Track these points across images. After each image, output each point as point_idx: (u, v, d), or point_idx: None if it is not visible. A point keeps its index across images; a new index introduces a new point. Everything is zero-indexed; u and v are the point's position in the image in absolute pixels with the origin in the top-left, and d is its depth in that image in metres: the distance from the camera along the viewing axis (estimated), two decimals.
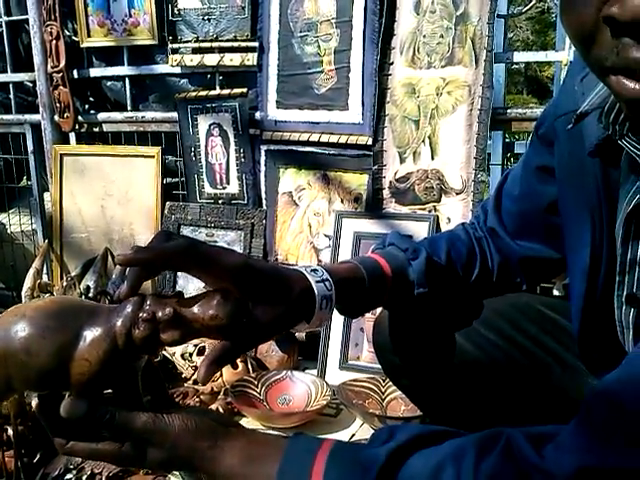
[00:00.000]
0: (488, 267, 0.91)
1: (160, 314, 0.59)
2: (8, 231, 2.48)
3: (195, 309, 0.60)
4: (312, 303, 0.71)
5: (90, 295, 1.86)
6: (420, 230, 1.64)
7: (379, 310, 0.96)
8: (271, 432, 1.35)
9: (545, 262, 0.91)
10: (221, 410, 1.51)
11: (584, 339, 0.78)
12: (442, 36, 1.54)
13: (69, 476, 0.98)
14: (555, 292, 1.54)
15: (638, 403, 0.47)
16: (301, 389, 1.58)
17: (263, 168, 1.86)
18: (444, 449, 0.55)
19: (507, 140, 1.81)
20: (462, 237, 0.93)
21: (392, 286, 0.82)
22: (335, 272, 0.75)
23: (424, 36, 1.56)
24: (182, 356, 1.70)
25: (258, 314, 0.65)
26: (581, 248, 0.73)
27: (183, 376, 1.68)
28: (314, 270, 0.74)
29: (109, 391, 0.63)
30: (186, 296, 0.64)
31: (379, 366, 1.04)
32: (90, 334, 0.60)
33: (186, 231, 1.97)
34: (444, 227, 1.63)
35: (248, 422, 1.50)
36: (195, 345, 1.72)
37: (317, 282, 0.72)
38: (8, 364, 0.60)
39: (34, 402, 0.64)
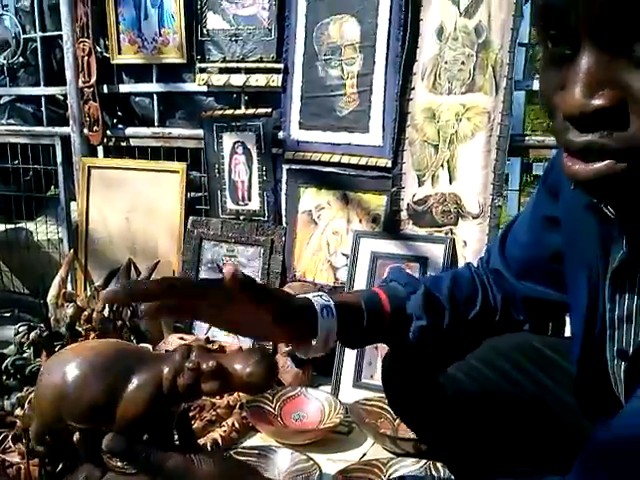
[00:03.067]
0: (490, 305, 0.93)
1: (204, 366, 0.64)
2: (35, 239, 2.56)
3: (236, 365, 0.65)
4: (313, 313, 0.79)
5: (113, 309, 1.90)
6: (436, 252, 1.67)
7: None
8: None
9: (549, 303, 0.92)
10: (237, 425, 1.54)
11: (581, 384, 0.80)
12: (463, 63, 1.57)
13: None
14: None
15: (631, 460, 0.50)
16: (315, 406, 1.60)
17: (284, 187, 1.90)
18: None
19: (525, 161, 1.83)
20: (466, 275, 0.95)
21: (391, 319, 0.87)
22: (334, 296, 0.83)
23: (446, 62, 1.59)
24: None
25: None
26: (580, 300, 0.75)
27: None
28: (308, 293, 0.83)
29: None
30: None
31: None
32: (139, 378, 0.65)
33: (208, 245, 2.01)
34: (460, 250, 1.66)
35: (262, 438, 1.53)
36: (220, 346, 1.75)
37: (314, 296, 0.82)
38: (62, 398, 0.66)
39: (76, 436, 0.70)
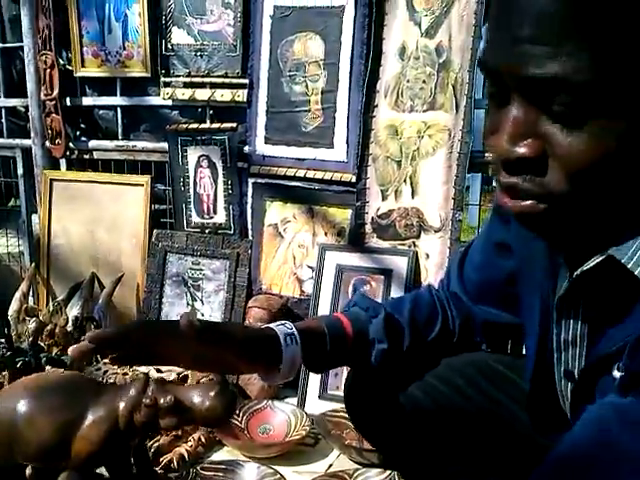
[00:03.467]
0: (449, 327, 0.97)
1: (162, 401, 0.63)
2: None
3: (194, 398, 0.64)
4: (276, 343, 0.81)
5: (77, 324, 1.89)
6: (400, 264, 1.70)
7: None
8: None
9: (504, 326, 0.96)
10: (203, 439, 1.54)
11: (533, 401, 0.83)
12: (425, 82, 1.62)
13: None
14: None
15: (582, 477, 0.53)
16: (281, 419, 1.62)
17: (250, 200, 1.91)
18: None
19: (485, 176, 1.88)
20: (426, 297, 0.99)
21: (353, 344, 0.90)
22: (297, 324, 0.86)
23: (408, 81, 1.64)
24: None
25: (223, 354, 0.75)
26: (533, 323, 0.79)
27: None
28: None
29: None
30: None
31: None
32: (94, 415, 0.63)
33: (173, 258, 2.01)
34: (423, 262, 1.70)
35: (229, 452, 1.53)
36: (178, 374, 1.75)
37: (277, 325, 0.84)
38: (13, 437, 0.64)
39: (28, 470, 0.68)
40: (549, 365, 0.77)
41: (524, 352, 0.89)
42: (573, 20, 0.53)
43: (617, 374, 0.63)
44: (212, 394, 0.64)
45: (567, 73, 0.53)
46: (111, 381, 1.74)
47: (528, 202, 0.60)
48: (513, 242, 0.85)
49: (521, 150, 0.58)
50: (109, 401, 0.64)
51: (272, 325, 0.85)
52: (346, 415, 1.54)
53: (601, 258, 0.62)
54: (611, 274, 0.62)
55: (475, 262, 0.98)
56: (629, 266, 0.59)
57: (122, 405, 0.64)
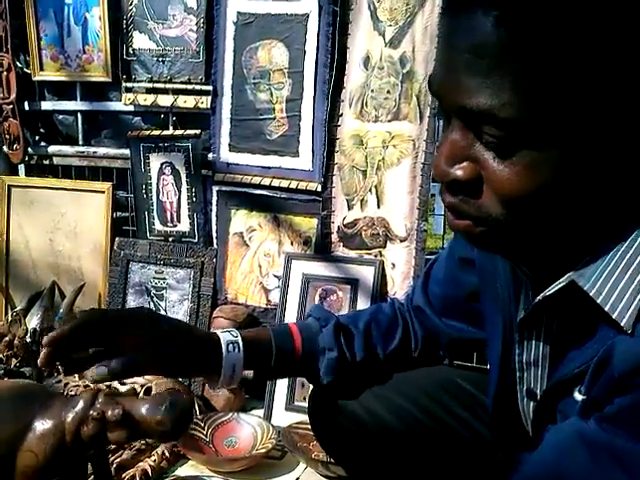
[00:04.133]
0: (410, 340, 0.97)
1: (109, 414, 0.61)
2: None
3: (143, 411, 0.62)
4: (219, 348, 0.82)
5: (36, 335, 1.84)
6: (367, 274, 1.70)
7: None
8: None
9: (468, 341, 0.97)
10: (167, 453, 1.52)
11: (496, 419, 0.84)
12: (389, 92, 1.61)
13: None
14: None
15: None
16: (247, 431, 1.60)
17: (214, 208, 1.89)
18: None
19: None
20: (387, 310, 0.99)
21: (302, 351, 0.90)
22: (244, 332, 0.88)
23: (372, 91, 1.63)
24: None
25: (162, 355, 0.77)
26: (496, 341, 0.79)
27: None
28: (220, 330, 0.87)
29: None
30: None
31: None
32: (40, 427, 0.61)
33: (135, 267, 1.97)
34: (389, 272, 1.70)
35: (194, 466, 1.51)
36: (142, 385, 1.72)
37: (222, 332, 0.85)
38: None
39: None
40: (511, 383, 0.77)
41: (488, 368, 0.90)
42: (502, 54, 0.53)
43: (579, 396, 0.64)
44: (163, 407, 0.62)
45: (494, 107, 0.54)
46: (72, 394, 1.71)
47: (466, 222, 0.62)
48: (476, 258, 0.86)
49: (456, 172, 0.59)
50: (57, 413, 0.61)
51: (218, 331, 0.85)
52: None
53: (563, 284, 0.62)
54: (573, 298, 0.62)
55: (439, 276, 0.98)
56: (591, 293, 0.60)
57: (69, 418, 0.61)
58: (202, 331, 0.88)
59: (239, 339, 0.84)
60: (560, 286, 0.63)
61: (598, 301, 0.59)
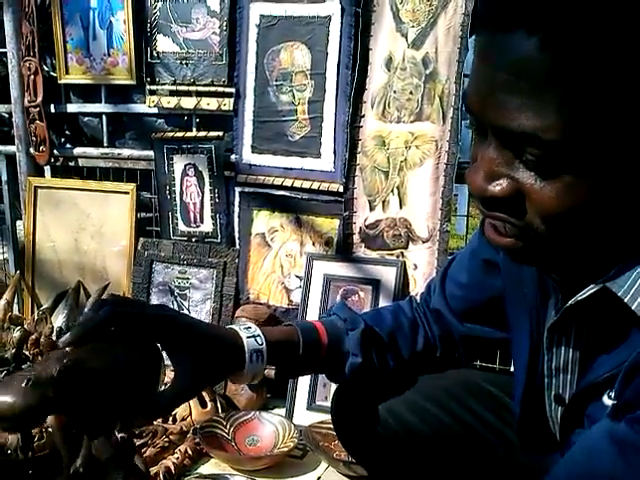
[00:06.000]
0: (430, 343, 0.96)
1: None
2: None
3: None
4: (242, 356, 0.78)
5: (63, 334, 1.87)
6: (388, 275, 1.71)
7: None
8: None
9: (487, 341, 0.96)
10: (190, 451, 1.53)
11: (523, 425, 0.84)
12: (411, 93, 1.62)
13: None
14: None
15: None
16: (269, 430, 1.62)
17: (237, 209, 1.90)
18: None
19: None
20: (406, 310, 0.98)
21: (327, 354, 0.88)
22: (270, 333, 0.82)
23: (394, 92, 1.64)
24: None
25: (182, 373, 0.72)
26: (522, 346, 0.79)
27: None
28: (247, 327, 0.81)
29: None
30: None
31: None
32: None
33: (159, 267, 2.00)
34: (411, 273, 1.70)
35: (216, 463, 1.53)
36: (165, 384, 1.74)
37: (248, 337, 0.79)
38: None
39: None
40: (539, 388, 0.77)
41: (513, 371, 0.89)
42: (547, 77, 0.53)
43: (608, 401, 0.64)
44: (13, 389, 0.57)
45: (537, 129, 0.54)
46: None
47: (508, 239, 0.62)
48: (501, 262, 0.85)
49: (495, 189, 0.59)
50: None
51: (239, 330, 0.79)
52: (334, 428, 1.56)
53: (596, 289, 0.63)
54: (605, 304, 0.63)
55: (459, 278, 0.96)
56: (626, 299, 0.60)
57: None
58: (225, 333, 0.80)
59: (264, 347, 0.79)
60: (592, 291, 0.63)
61: (633, 307, 0.59)
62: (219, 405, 1.73)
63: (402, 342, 0.94)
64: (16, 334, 1.88)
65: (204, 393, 1.72)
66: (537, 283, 0.74)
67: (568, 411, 0.72)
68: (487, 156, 0.58)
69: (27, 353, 1.90)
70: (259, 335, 0.80)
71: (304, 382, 1.74)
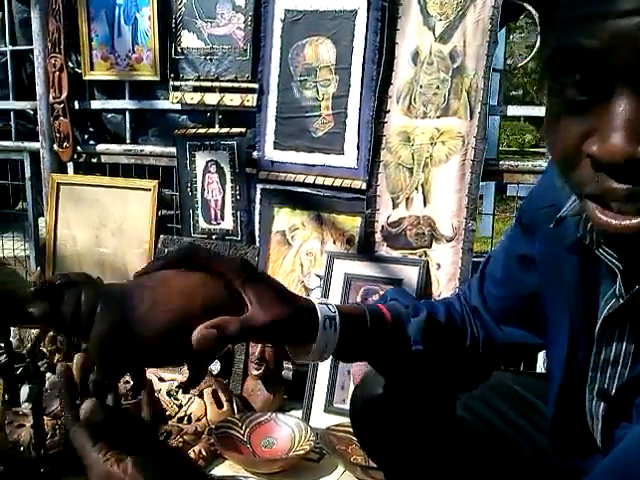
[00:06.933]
0: (476, 340, 0.90)
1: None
2: (1, 255, 2.49)
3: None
4: (314, 322, 0.69)
5: None
6: (411, 274, 1.66)
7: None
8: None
9: (524, 347, 0.91)
10: (204, 452, 1.50)
11: (557, 425, 0.78)
12: (438, 87, 1.58)
13: None
14: None
15: None
16: (285, 432, 1.57)
17: (258, 206, 1.87)
18: None
19: (500, 183, 1.83)
20: (456, 306, 0.92)
21: (391, 333, 0.80)
22: (339, 306, 0.75)
23: (421, 86, 1.60)
24: (168, 393, 1.70)
25: (255, 313, 0.64)
26: (560, 340, 0.73)
27: (167, 414, 1.67)
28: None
29: None
30: None
31: None
32: None
33: None
34: (434, 273, 1.65)
35: (231, 465, 1.49)
36: (181, 383, 1.71)
37: (320, 303, 0.72)
38: None
39: None
40: (577, 385, 0.72)
41: (544, 371, 0.84)
42: None
43: None
44: None
45: None
46: None
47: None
48: (538, 257, 0.79)
49: None
50: None
51: (314, 300, 0.72)
52: (352, 430, 1.51)
53: None
54: None
55: (495, 275, 0.91)
56: None
57: None
58: (297, 295, 0.73)
59: (337, 314, 0.72)
60: None
61: None
62: (235, 406, 1.69)
63: (456, 337, 0.88)
64: (34, 330, 1.87)
65: (220, 393, 1.69)
66: (579, 275, 0.69)
67: (613, 404, 0.67)
68: (622, 113, 0.49)
69: (44, 349, 1.89)
70: (330, 304, 0.73)
71: (322, 384, 1.69)
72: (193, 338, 0.60)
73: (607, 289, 0.66)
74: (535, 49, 1.57)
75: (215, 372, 1.79)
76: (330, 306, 0.73)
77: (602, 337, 0.67)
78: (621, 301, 0.63)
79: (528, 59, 1.64)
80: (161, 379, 1.75)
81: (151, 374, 1.84)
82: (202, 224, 1.97)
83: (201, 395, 1.69)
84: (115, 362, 0.59)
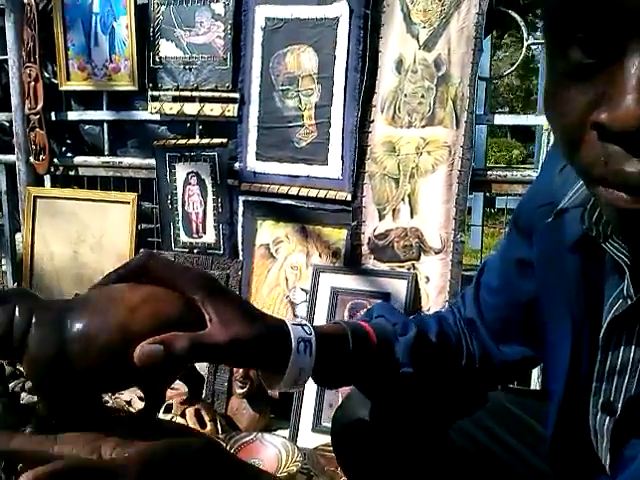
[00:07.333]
0: (472, 358, 0.86)
1: None
2: None
3: None
4: (287, 344, 0.63)
5: None
6: (399, 287, 1.62)
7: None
8: None
9: (522, 363, 0.87)
10: None
11: (557, 443, 0.73)
12: (423, 96, 1.54)
13: None
14: None
15: None
16: (271, 452, 1.52)
17: (241, 219, 1.83)
18: None
19: (488, 195, 1.80)
20: (450, 321, 0.88)
21: (377, 355, 0.74)
22: (317, 327, 0.69)
23: (405, 95, 1.56)
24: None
25: (213, 331, 0.57)
26: (561, 348, 0.69)
27: None
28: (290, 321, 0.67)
29: None
30: None
31: None
32: None
33: None
34: (423, 286, 1.61)
35: None
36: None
37: (294, 324, 0.65)
38: None
39: None
40: (580, 398, 0.67)
41: (538, 387, 0.80)
42: None
43: None
44: None
45: None
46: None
47: None
48: (536, 258, 0.75)
49: None
50: None
51: (287, 322, 0.65)
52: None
53: None
54: None
55: (491, 284, 0.86)
56: None
57: None
58: (269, 316, 0.65)
59: (313, 337, 0.65)
60: None
61: None
62: (219, 425, 1.64)
63: (450, 356, 0.83)
64: None
65: (203, 412, 1.64)
66: (581, 274, 0.64)
67: (621, 419, 0.62)
68: (635, 73, 0.42)
69: (21, 368, 1.83)
70: (306, 325, 0.66)
71: (309, 402, 1.64)
72: (135, 355, 0.54)
73: (613, 290, 0.61)
74: (521, 58, 1.54)
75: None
76: (306, 327, 0.66)
77: (608, 343, 0.61)
78: (629, 302, 0.58)
79: (514, 67, 1.62)
80: (141, 398, 1.70)
81: (131, 393, 1.79)
82: (183, 238, 1.92)
83: (183, 415, 1.64)
84: (54, 388, 0.54)
